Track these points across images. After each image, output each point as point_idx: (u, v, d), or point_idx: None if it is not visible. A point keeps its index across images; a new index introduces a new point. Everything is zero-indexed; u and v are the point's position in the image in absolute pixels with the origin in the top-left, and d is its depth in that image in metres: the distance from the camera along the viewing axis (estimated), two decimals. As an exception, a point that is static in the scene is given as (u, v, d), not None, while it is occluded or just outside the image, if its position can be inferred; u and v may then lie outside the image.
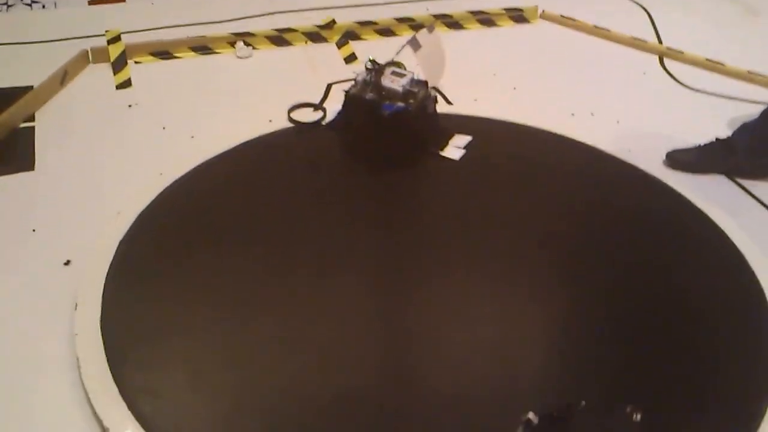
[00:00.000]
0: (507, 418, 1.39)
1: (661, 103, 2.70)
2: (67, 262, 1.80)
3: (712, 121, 2.48)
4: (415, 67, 2.28)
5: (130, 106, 2.50)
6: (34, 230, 1.91)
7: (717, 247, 1.93)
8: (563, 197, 2.10)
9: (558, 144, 2.35)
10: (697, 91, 2.78)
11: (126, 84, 2.63)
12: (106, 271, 1.72)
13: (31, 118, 2.38)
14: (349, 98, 2.24)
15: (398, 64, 2.26)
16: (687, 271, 1.85)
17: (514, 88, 2.72)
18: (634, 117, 2.56)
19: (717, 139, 2.25)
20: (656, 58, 3.02)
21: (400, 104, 2.15)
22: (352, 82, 2.26)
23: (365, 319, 1.68)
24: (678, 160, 2.26)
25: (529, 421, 1.36)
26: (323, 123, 2.38)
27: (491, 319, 1.69)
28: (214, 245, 1.85)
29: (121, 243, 1.82)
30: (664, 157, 2.28)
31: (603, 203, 2.09)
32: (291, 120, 2.38)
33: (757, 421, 1.45)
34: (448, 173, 2.20)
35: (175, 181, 2.05)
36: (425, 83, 2.25)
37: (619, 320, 1.69)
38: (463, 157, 2.25)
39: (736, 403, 1.50)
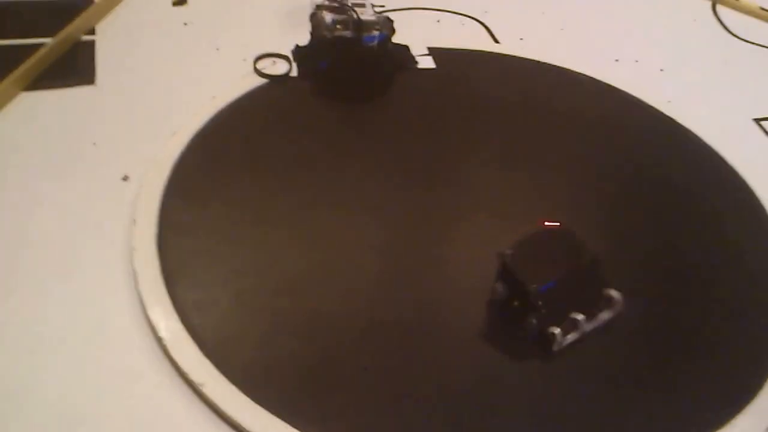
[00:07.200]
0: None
1: (709, 53, 2.67)
2: (125, 178, 1.90)
3: (764, 77, 2.47)
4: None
5: (185, 24, 2.55)
6: (94, 144, 2.00)
7: (748, 209, 1.97)
8: (590, 142, 2.14)
9: (594, 90, 2.37)
10: (750, 43, 2.75)
11: (182, 1, 2.68)
12: (162, 190, 1.83)
13: (92, 32, 2.44)
14: (334, 42, 2.19)
15: None
16: (709, 229, 1.89)
17: (562, 29, 2.72)
18: (678, 67, 2.56)
19: None
20: (709, 4, 2.98)
21: (375, 33, 2.17)
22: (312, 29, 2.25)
23: (412, 243, 1.76)
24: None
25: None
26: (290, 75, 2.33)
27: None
28: (268, 171, 1.93)
29: (177, 163, 1.92)
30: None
31: (629, 152, 2.12)
32: (258, 73, 2.31)
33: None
34: (444, 92, 2.30)
35: (228, 105, 2.13)
36: (372, 6, 2.26)
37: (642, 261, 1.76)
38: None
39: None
